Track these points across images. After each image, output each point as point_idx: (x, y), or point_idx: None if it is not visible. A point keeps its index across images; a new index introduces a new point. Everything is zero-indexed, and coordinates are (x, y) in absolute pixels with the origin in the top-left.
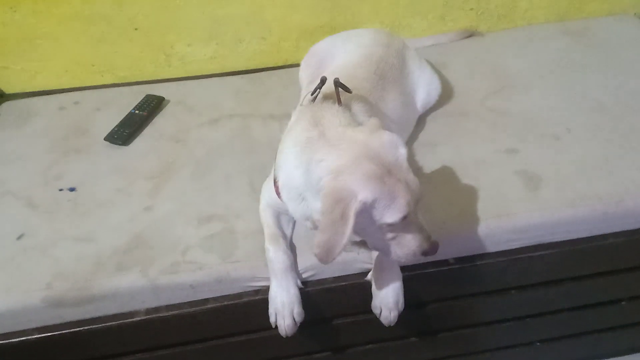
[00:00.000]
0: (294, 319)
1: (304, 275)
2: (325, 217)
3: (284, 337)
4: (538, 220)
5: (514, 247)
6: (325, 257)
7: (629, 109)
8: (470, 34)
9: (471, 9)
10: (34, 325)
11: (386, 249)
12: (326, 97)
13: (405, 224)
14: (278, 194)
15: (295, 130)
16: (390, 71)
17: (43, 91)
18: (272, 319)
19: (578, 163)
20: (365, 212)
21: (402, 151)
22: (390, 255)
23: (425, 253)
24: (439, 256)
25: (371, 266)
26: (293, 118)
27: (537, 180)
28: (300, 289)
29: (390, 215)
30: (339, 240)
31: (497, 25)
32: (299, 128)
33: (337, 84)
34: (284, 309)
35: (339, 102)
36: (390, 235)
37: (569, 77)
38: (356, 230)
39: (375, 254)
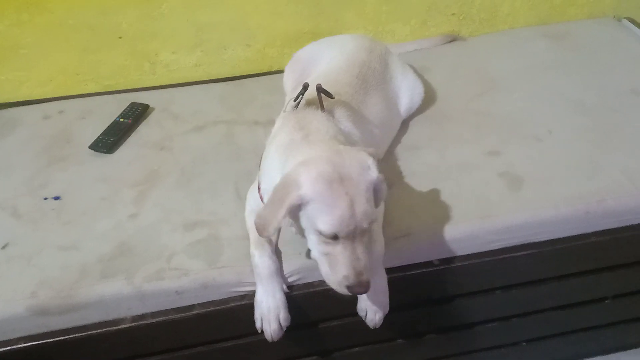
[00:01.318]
0: (280, 323)
1: (289, 280)
2: (272, 195)
3: (270, 342)
4: (521, 221)
5: (497, 248)
6: (261, 230)
7: (609, 110)
8: (452, 39)
9: (453, 14)
10: (18, 334)
11: (319, 261)
12: (309, 103)
13: (341, 247)
14: (261, 198)
15: (279, 136)
16: (373, 76)
17: (27, 101)
18: (258, 324)
19: (560, 164)
20: (303, 208)
21: (372, 176)
22: (320, 270)
23: (349, 288)
24: (423, 258)
25: None
26: (277, 124)
27: (520, 181)
28: (286, 294)
29: (322, 222)
30: (273, 220)
31: (479, 29)
32: (283, 133)
33: (319, 90)
34: (270, 313)
35: (322, 107)
36: (325, 248)
37: (550, 79)
38: (298, 222)
39: None
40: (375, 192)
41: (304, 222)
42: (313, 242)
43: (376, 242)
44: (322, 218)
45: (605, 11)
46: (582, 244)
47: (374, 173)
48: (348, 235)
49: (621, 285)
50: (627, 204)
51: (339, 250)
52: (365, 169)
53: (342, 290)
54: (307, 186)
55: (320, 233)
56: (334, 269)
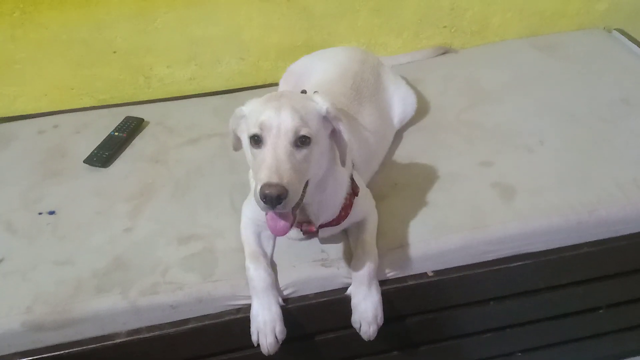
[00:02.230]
0: (276, 336)
1: (285, 293)
2: None
3: (267, 355)
4: (514, 232)
5: (491, 259)
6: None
7: (599, 120)
8: (444, 51)
9: (444, 27)
10: (14, 350)
11: (252, 173)
12: None
13: (265, 149)
14: None
15: None
16: (366, 87)
17: (22, 115)
18: (254, 338)
19: (551, 174)
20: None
21: (317, 104)
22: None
23: (261, 189)
24: (417, 269)
25: (351, 281)
26: None
27: (512, 191)
28: (281, 307)
29: (251, 124)
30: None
31: (471, 41)
32: None
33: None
34: (266, 327)
35: None
36: (255, 155)
37: (541, 90)
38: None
39: (355, 268)
40: (336, 137)
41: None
42: (248, 153)
43: (369, 254)
44: (250, 122)
45: (595, 23)
46: (575, 254)
47: (320, 104)
48: (273, 135)
49: (614, 295)
50: (618, 214)
51: (263, 155)
52: (310, 99)
53: (259, 197)
54: (248, 102)
55: (250, 138)
56: (257, 177)
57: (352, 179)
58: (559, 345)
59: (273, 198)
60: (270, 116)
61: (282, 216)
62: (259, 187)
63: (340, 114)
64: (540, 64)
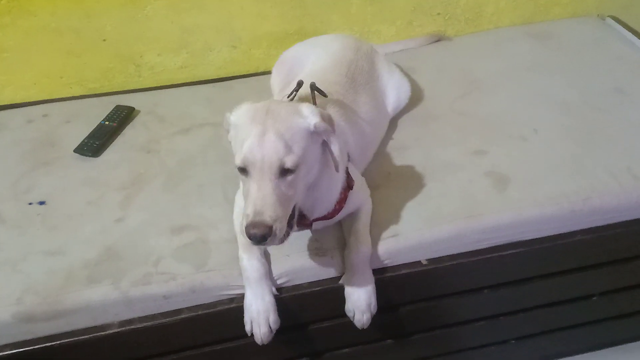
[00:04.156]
0: (269, 326)
1: (278, 282)
2: None
3: (260, 345)
4: (507, 220)
5: (484, 247)
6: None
7: (593, 109)
8: (438, 39)
9: (438, 14)
10: (4, 341)
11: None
12: (302, 101)
13: (250, 183)
14: None
15: None
16: (361, 74)
17: (11, 104)
18: (247, 328)
19: (545, 163)
20: (232, 138)
21: (305, 121)
22: None
23: (246, 229)
24: (411, 258)
25: (344, 270)
26: None
27: (506, 180)
28: (275, 296)
29: (236, 145)
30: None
31: (465, 29)
32: None
33: (313, 87)
34: (260, 316)
35: (315, 104)
36: (244, 186)
37: (535, 79)
38: None
39: (348, 257)
40: (326, 146)
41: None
42: (241, 183)
43: (362, 243)
44: (237, 139)
45: (589, 10)
46: (569, 242)
47: (309, 119)
48: (257, 169)
49: (608, 283)
50: (612, 202)
51: (248, 187)
52: (297, 113)
53: (244, 233)
54: (235, 112)
55: (236, 168)
56: (245, 207)
57: (347, 173)
58: (552, 332)
59: (258, 238)
60: (253, 149)
61: None
62: (244, 223)
63: (331, 126)
64: (534, 52)
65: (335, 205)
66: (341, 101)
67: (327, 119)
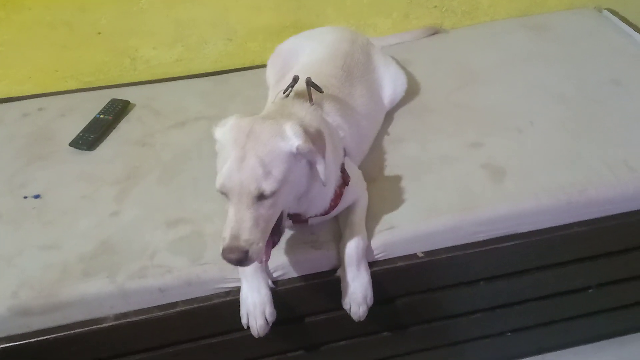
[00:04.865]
0: (266, 319)
1: (274, 275)
2: None
3: (257, 337)
4: (504, 212)
5: (481, 239)
6: None
7: (589, 100)
8: (434, 31)
9: (435, 7)
10: (0, 334)
11: None
12: (298, 96)
13: (230, 207)
14: None
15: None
16: (357, 67)
17: (6, 98)
18: (244, 320)
19: (541, 155)
20: (218, 155)
21: (287, 144)
22: None
23: (222, 252)
24: (407, 250)
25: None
26: (263, 113)
27: (502, 172)
28: (271, 289)
29: (218, 175)
30: None
31: (461, 22)
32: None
33: (309, 83)
34: (256, 309)
35: (311, 100)
36: (222, 198)
37: (531, 71)
38: None
39: (343, 249)
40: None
41: None
42: None
43: (358, 235)
44: (219, 167)
45: (585, 2)
46: (565, 234)
47: (292, 142)
48: (235, 194)
49: (604, 275)
50: (608, 194)
51: (227, 209)
52: (279, 135)
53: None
54: (220, 128)
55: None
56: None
57: (343, 170)
58: (549, 324)
59: (234, 262)
60: (231, 174)
61: None
62: (220, 248)
63: (317, 144)
64: (530, 45)
65: (330, 203)
66: (337, 96)
67: (314, 136)
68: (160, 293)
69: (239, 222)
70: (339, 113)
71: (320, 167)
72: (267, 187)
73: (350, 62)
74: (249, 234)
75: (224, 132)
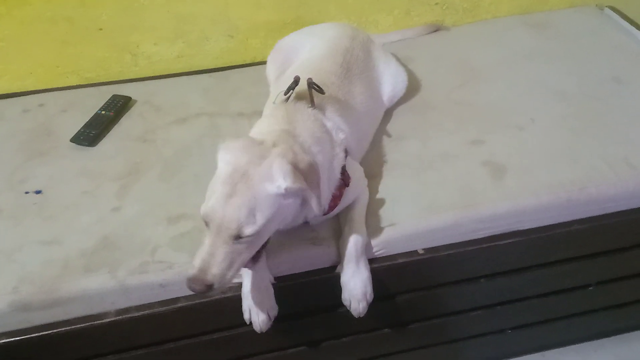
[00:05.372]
0: (267, 314)
1: (275, 271)
2: None
3: (259, 332)
4: (504, 209)
5: (481, 236)
6: None
7: (590, 98)
8: (436, 29)
9: (436, 4)
10: (1, 330)
11: None
12: (299, 97)
13: (207, 237)
14: None
15: (264, 124)
16: (356, 63)
17: (6, 94)
18: (246, 316)
19: (542, 152)
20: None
21: (274, 188)
22: None
23: (186, 282)
24: (407, 247)
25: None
26: (264, 114)
27: (503, 170)
28: (272, 285)
29: (204, 203)
30: None
31: (463, 19)
32: (268, 122)
33: (311, 85)
34: (258, 304)
35: (312, 103)
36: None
37: (532, 68)
38: None
39: (343, 246)
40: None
41: None
42: None
43: (358, 232)
44: (208, 194)
45: (587, 0)
46: (565, 232)
47: (280, 185)
48: (215, 227)
49: (604, 272)
50: (608, 191)
51: (204, 238)
52: (269, 180)
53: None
54: (225, 150)
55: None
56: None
57: (343, 172)
58: (549, 322)
59: (195, 292)
60: (216, 208)
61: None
62: (187, 273)
63: (310, 177)
64: (531, 42)
65: (329, 204)
66: (337, 96)
67: (306, 172)
68: (162, 289)
69: (211, 255)
70: (339, 114)
71: (313, 202)
72: (247, 230)
73: (349, 58)
74: (219, 269)
75: (226, 161)
